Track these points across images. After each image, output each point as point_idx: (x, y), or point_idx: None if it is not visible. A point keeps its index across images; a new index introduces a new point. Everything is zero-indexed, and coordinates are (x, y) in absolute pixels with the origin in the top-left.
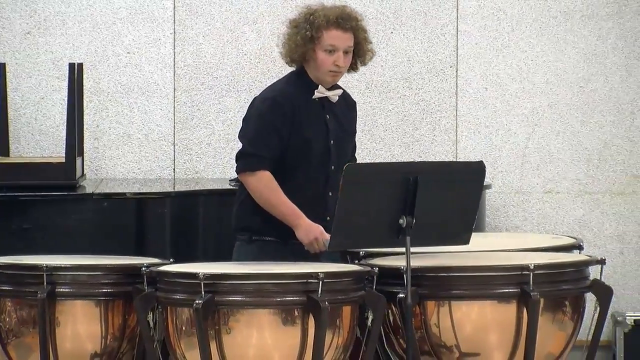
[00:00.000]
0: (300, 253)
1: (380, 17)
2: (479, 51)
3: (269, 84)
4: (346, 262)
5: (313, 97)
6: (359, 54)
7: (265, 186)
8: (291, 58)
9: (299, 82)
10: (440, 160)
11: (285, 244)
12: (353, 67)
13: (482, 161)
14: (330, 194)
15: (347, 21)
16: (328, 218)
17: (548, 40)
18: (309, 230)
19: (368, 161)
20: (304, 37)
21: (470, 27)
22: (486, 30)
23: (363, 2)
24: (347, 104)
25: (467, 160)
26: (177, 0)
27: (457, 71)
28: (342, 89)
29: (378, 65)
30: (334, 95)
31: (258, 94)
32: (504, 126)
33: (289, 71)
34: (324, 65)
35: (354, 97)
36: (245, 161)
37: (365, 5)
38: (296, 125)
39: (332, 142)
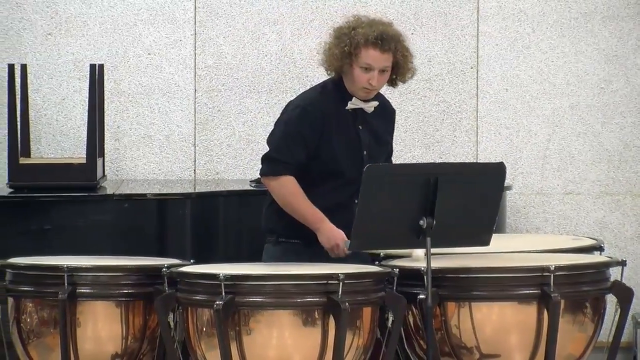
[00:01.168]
0: (325, 255)
1: (400, 19)
2: (499, 52)
3: (289, 84)
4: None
5: (346, 108)
6: (399, 72)
7: (287, 190)
8: (329, 68)
9: (335, 91)
10: (460, 161)
11: (311, 247)
12: (392, 83)
13: (502, 162)
14: (356, 201)
15: (386, 42)
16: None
17: (569, 41)
18: (331, 236)
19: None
20: (342, 51)
21: (491, 29)
22: (507, 32)
23: (384, 3)
24: (385, 113)
25: (488, 162)
26: (198, 2)
27: (477, 72)
28: (382, 96)
29: None
30: (369, 107)
31: (291, 97)
32: (524, 127)
33: (310, 73)
34: (359, 82)
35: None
36: (269, 165)
37: (385, 7)
38: (325, 135)
39: (365, 152)
